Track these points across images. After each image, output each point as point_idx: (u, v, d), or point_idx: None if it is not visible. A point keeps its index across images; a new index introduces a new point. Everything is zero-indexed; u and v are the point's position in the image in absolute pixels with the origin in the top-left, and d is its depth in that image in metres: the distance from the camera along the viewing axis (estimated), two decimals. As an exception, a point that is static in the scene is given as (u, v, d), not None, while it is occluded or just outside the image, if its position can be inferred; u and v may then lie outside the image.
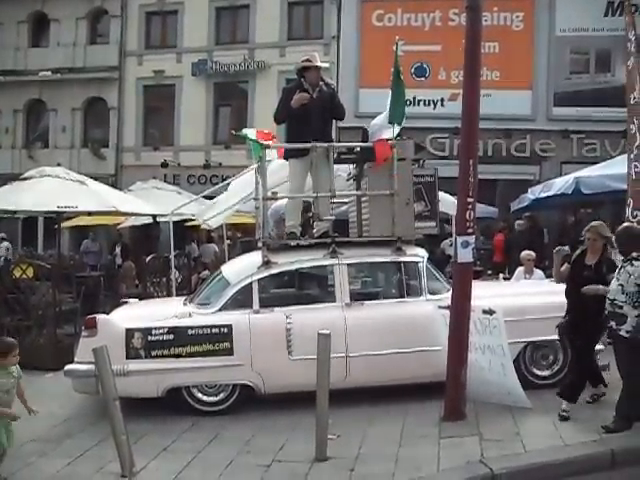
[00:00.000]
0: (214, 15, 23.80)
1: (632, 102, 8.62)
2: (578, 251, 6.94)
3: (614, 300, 6.24)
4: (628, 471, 5.66)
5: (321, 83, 8.11)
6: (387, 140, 8.07)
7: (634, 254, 6.30)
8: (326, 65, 8.30)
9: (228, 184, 12.57)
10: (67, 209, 11.24)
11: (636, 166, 8.04)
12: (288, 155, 8.26)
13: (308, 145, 7.82)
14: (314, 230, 8.23)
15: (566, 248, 7.27)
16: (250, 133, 8.24)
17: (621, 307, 6.21)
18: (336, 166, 8.21)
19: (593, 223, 6.87)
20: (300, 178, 8.16)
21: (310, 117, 7.89)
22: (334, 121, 8.52)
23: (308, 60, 8.05)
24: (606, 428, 6.15)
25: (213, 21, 23.81)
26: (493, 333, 6.76)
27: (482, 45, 7.01)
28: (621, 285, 6.24)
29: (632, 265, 6.25)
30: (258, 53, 23.18)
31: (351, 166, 8.85)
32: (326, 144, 7.94)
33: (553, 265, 7.55)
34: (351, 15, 21.09)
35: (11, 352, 5.51)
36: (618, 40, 18.57)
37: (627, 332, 6.15)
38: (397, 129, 8.28)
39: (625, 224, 7.07)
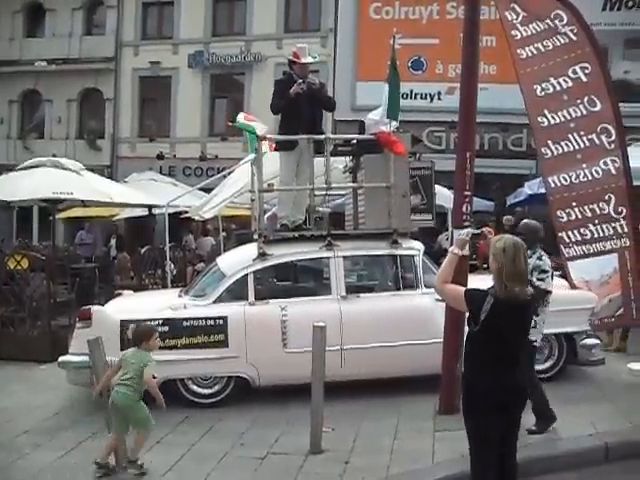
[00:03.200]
0: (211, 6, 23.74)
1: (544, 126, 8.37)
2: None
3: None
4: (622, 464, 5.66)
5: (310, 78, 8.18)
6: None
7: (529, 252, 6.30)
8: (312, 60, 8.32)
9: (224, 176, 12.57)
10: (62, 195, 11.17)
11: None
12: (278, 148, 8.31)
13: (304, 137, 7.82)
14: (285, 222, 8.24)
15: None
16: (240, 118, 8.26)
17: None
18: (332, 158, 8.21)
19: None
20: (290, 171, 8.20)
21: (300, 109, 7.94)
22: (326, 114, 8.53)
23: (296, 55, 8.17)
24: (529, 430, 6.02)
25: (210, 12, 23.75)
26: None
27: (480, 38, 6.97)
28: None
29: None
30: (255, 45, 23.13)
31: (347, 158, 8.83)
32: (322, 136, 7.96)
33: None
34: (348, 8, 21.02)
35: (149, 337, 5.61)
36: (615, 35, 18.64)
37: None
38: (394, 124, 8.26)
39: (525, 220, 6.90)
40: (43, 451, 6.04)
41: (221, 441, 6.20)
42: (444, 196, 10.65)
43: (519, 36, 8.02)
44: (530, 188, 14.00)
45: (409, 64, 19.61)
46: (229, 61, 23.28)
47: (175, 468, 5.63)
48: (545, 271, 6.13)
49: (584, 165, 7.96)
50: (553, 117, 8.04)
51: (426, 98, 20.07)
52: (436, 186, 9.29)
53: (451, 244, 6.80)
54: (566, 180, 8.05)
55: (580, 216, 7.97)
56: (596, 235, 8.00)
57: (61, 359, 7.26)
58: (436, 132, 19.70)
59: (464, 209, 6.72)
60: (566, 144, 8.03)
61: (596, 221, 7.91)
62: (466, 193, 6.71)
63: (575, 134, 7.99)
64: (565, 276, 8.37)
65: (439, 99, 19.96)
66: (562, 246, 8.17)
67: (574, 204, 7.99)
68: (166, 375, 7.12)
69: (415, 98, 19.69)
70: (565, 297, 7.90)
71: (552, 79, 8.02)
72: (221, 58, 23.26)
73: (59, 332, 9.73)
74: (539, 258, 6.20)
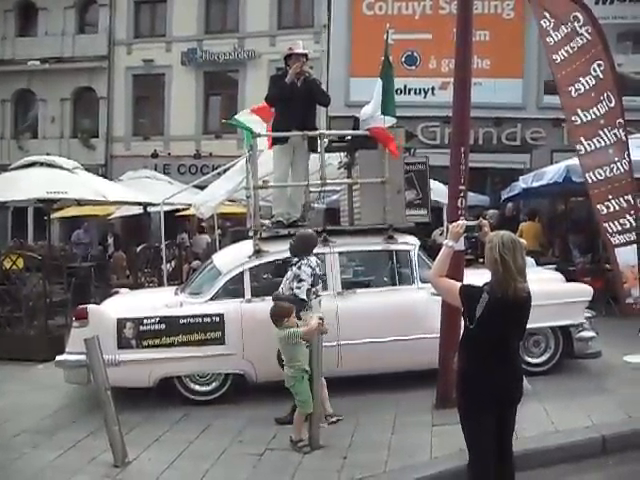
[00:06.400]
0: (204, 4, 23.67)
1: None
2: None
3: None
4: (619, 456, 5.70)
5: (305, 71, 8.18)
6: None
7: (295, 259, 6.52)
8: (307, 52, 8.33)
9: (219, 174, 12.53)
10: (57, 195, 11.15)
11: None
12: (272, 142, 8.32)
13: (299, 133, 7.82)
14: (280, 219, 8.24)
15: None
16: (243, 115, 8.24)
17: None
18: (327, 154, 8.21)
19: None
20: (283, 165, 8.19)
21: (295, 104, 7.95)
22: (321, 109, 8.55)
23: (290, 49, 8.20)
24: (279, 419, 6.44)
25: (203, 10, 23.68)
26: None
27: (473, 33, 6.99)
28: (282, 288, 6.55)
29: (291, 270, 6.48)
30: (248, 42, 23.09)
31: (342, 154, 8.83)
32: (316, 132, 7.97)
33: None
34: (341, 3, 20.94)
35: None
36: (608, 28, 18.61)
37: None
38: (390, 119, 8.27)
39: (301, 230, 6.99)
40: (42, 450, 6.04)
41: (219, 438, 6.21)
42: (439, 191, 10.66)
43: (552, 42, 8.26)
44: (524, 182, 14.00)
45: (402, 59, 19.59)
46: (222, 58, 23.22)
47: (174, 466, 5.63)
48: (301, 280, 6.30)
49: (616, 159, 8.22)
50: (585, 115, 8.29)
51: (420, 93, 20.04)
52: (431, 181, 9.31)
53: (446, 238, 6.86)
54: (601, 175, 8.29)
55: (618, 208, 8.22)
56: (634, 224, 8.24)
57: (58, 358, 7.25)
58: (430, 127, 19.67)
59: (459, 204, 6.73)
60: (598, 140, 8.29)
61: (632, 212, 8.17)
62: (461, 188, 6.72)
63: (605, 129, 8.25)
64: (562, 270, 8.42)
65: (433, 94, 19.92)
66: (608, 235, 8.36)
67: (610, 197, 8.24)
68: (164, 373, 7.14)
69: (409, 93, 19.66)
70: (560, 290, 7.95)
71: (581, 78, 8.27)
72: (214, 55, 23.20)
73: (56, 331, 9.74)
74: (298, 267, 6.39)
